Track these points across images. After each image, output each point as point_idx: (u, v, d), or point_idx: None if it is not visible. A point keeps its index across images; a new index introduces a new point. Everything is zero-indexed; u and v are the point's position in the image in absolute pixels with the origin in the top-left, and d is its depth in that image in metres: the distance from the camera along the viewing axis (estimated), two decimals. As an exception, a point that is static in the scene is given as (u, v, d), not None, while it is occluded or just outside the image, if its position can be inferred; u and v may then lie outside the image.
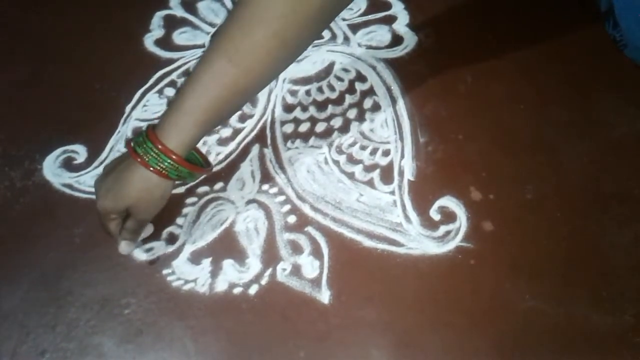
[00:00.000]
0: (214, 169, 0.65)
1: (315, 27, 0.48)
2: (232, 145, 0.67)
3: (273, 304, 0.56)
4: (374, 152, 0.66)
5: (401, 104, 0.70)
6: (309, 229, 0.61)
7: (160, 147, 0.47)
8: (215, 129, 0.67)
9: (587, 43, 0.74)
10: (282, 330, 0.55)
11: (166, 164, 0.48)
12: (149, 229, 0.60)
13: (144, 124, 0.69)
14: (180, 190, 0.63)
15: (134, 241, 0.55)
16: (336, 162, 0.66)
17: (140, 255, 0.59)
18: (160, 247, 0.60)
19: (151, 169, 0.48)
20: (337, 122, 0.69)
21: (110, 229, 0.53)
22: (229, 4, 0.83)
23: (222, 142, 0.67)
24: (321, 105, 0.70)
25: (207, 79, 0.46)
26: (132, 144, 0.49)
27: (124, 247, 0.54)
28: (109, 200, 0.50)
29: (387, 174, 0.64)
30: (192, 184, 0.63)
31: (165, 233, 0.61)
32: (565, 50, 0.74)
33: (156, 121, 0.49)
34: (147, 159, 0.48)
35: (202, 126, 0.48)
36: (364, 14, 0.80)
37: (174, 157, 0.48)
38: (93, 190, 0.63)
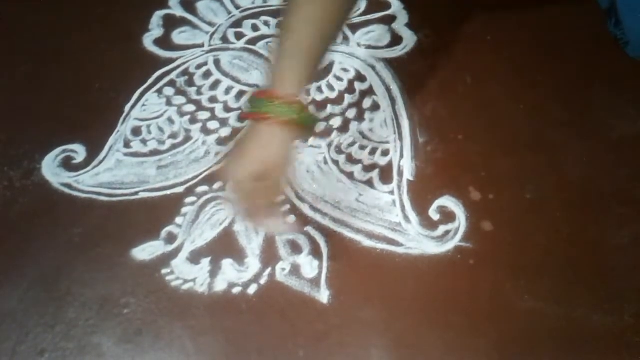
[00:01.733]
0: (213, 169, 0.65)
1: None
2: (232, 144, 0.67)
3: (272, 303, 0.56)
4: (373, 151, 0.66)
5: (400, 104, 0.70)
6: (308, 228, 0.61)
7: (287, 97, 0.48)
8: (214, 129, 0.67)
9: (587, 43, 0.74)
10: (281, 329, 0.55)
11: (295, 109, 0.48)
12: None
13: (143, 124, 0.69)
14: (180, 189, 0.63)
15: (276, 212, 0.57)
16: (335, 162, 0.66)
17: (139, 254, 0.59)
18: (159, 247, 0.60)
19: (280, 119, 0.48)
20: (336, 122, 0.69)
21: (251, 208, 0.51)
22: (228, 4, 0.82)
23: (222, 141, 0.67)
24: (320, 105, 0.70)
25: (299, 25, 0.49)
26: (253, 112, 0.49)
27: (281, 226, 0.56)
28: (243, 167, 0.49)
29: (386, 174, 0.64)
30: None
31: (164, 232, 0.61)
32: (564, 51, 0.74)
33: (256, 88, 0.51)
34: (274, 114, 0.48)
35: (310, 65, 0.49)
36: (364, 13, 0.80)
37: (298, 98, 0.48)
38: (92, 189, 0.64)
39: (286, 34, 0.49)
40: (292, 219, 0.59)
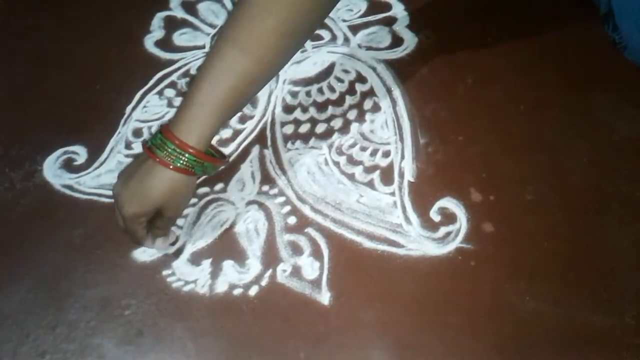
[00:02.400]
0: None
1: (322, 11, 0.49)
2: (232, 146, 0.67)
3: (273, 305, 0.56)
4: (374, 153, 0.66)
5: (401, 105, 0.70)
6: (309, 230, 0.61)
7: (178, 143, 0.47)
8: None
9: (587, 44, 0.74)
10: (282, 331, 0.55)
11: (189, 160, 0.48)
12: (172, 236, 0.59)
13: (144, 125, 0.69)
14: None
15: (167, 237, 0.56)
16: (336, 163, 0.66)
17: (140, 256, 0.59)
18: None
19: (172, 167, 0.48)
20: (337, 123, 0.69)
21: (139, 234, 0.52)
22: (229, 5, 0.82)
23: (222, 143, 0.67)
24: (321, 106, 0.70)
25: (220, 70, 0.46)
26: (149, 146, 0.49)
27: (160, 243, 0.55)
28: (135, 205, 0.49)
29: (387, 175, 0.64)
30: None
31: (165, 234, 0.61)
32: (565, 52, 0.74)
33: (166, 120, 0.49)
34: (168, 159, 0.47)
35: (218, 118, 0.48)
36: (364, 15, 0.80)
37: (194, 152, 0.48)
38: (93, 191, 0.64)
39: (206, 75, 0.47)
40: (173, 237, 0.58)
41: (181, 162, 0.48)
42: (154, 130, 0.69)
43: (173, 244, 0.60)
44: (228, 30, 0.47)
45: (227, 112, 0.49)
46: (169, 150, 0.47)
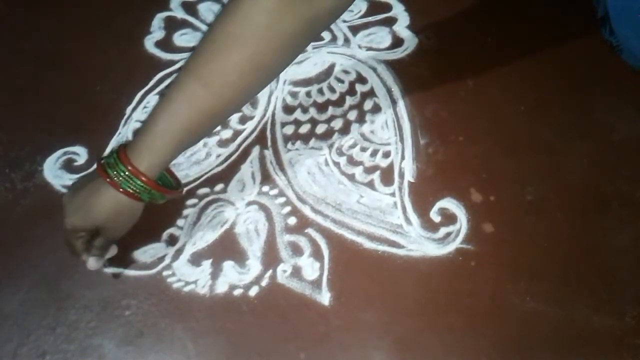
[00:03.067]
0: (214, 171, 0.65)
1: (290, 52, 0.47)
2: (233, 146, 0.67)
3: (273, 305, 0.56)
4: (374, 153, 0.66)
5: (402, 106, 0.70)
6: (310, 230, 0.61)
7: (131, 169, 0.47)
8: (215, 131, 0.68)
9: (587, 46, 0.74)
10: (282, 331, 0.55)
11: (137, 186, 0.48)
12: (112, 250, 0.56)
13: (144, 126, 0.69)
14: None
15: (102, 257, 0.54)
16: (336, 164, 0.66)
17: (141, 256, 0.59)
18: (160, 249, 0.60)
19: (121, 190, 0.47)
20: (337, 124, 0.69)
21: (76, 247, 0.52)
22: (230, 6, 0.83)
23: (223, 143, 0.67)
24: (321, 107, 0.70)
25: (180, 102, 0.46)
26: (102, 163, 0.49)
27: (92, 263, 0.52)
28: (77, 218, 0.50)
29: (387, 176, 0.64)
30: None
31: (165, 234, 0.61)
32: (564, 53, 0.74)
33: (126, 141, 0.49)
34: (117, 181, 0.47)
35: (173, 148, 0.48)
36: (364, 15, 0.80)
37: (144, 179, 0.47)
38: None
39: (166, 106, 0.46)
40: (113, 251, 0.57)
41: (130, 187, 0.48)
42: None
43: (110, 261, 0.58)
44: (192, 62, 0.46)
45: (184, 144, 0.48)
46: (120, 172, 0.47)
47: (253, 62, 0.45)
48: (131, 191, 0.48)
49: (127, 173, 0.47)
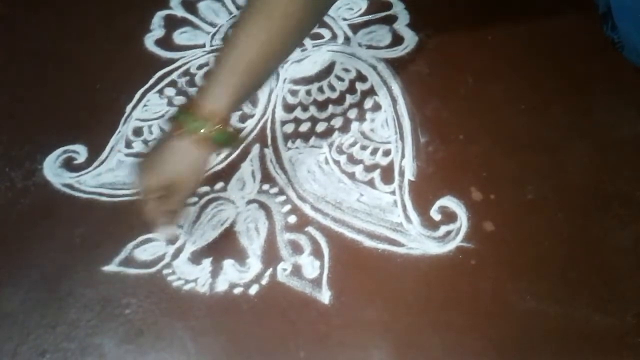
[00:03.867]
0: (214, 169, 0.65)
1: None
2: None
3: (273, 304, 0.56)
4: (374, 152, 0.66)
5: (402, 104, 0.70)
6: (310, 229, 0.61)
7: (206, 111, 0.47)
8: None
9: (587, 45, 0.74)
10: (282, 330, 0.55)
11: (213, 127, 0.48)
12: (185, 215, 0.58)
13: (144, 124, 0.69)
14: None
15: (173, 224, 0.55)
16: (337, 162, 0.66)
17: (141, 255, 0.59)
18: (160, 247, 0.60)
19: (194, 136, 0.48)
20: (337, 122, 0.69)
21: (151, 210, 0.52)
22: (230, 4, 0.83)
23: (223, 142, 0.67)
24: (322, 105, 0.70)
25: (245, 39, 0.47)
26: (175, 116, 0.49)
27: (165, 229, 0.54)
28: (151, 177, 0.50)
29: (387, 174, 0.64)
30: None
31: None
32: (565, 52, 0.74)
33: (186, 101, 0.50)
34: (192, 127, 0.48)
35: (242, 88, 0.48)
36: (365, 13, 0.80)
37: (219, 118, 0.48)
38: (93, 190, 0.64)
39: (227, 46, 0.48)
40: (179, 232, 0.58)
41: (200, 128, 0.48)
42: (154, 129, 0.69)
43: (173, 242, 0.59)
44: (249, 5, 0.48)
45: (254, 77, 0.49)
46: (195, 118, 0.48)
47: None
48: (207, 134, 0.48)
49: (197, 116, 0.47)
